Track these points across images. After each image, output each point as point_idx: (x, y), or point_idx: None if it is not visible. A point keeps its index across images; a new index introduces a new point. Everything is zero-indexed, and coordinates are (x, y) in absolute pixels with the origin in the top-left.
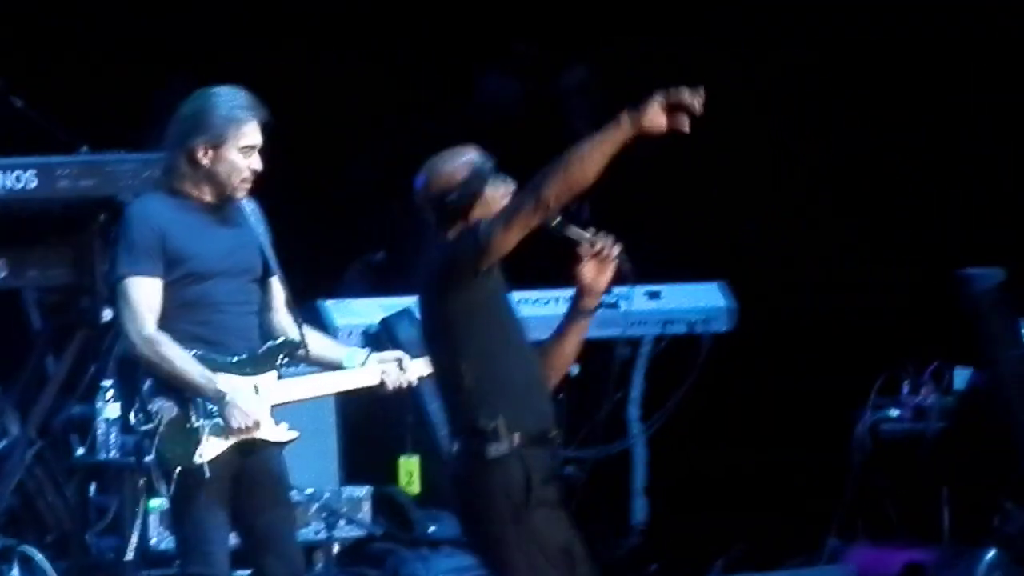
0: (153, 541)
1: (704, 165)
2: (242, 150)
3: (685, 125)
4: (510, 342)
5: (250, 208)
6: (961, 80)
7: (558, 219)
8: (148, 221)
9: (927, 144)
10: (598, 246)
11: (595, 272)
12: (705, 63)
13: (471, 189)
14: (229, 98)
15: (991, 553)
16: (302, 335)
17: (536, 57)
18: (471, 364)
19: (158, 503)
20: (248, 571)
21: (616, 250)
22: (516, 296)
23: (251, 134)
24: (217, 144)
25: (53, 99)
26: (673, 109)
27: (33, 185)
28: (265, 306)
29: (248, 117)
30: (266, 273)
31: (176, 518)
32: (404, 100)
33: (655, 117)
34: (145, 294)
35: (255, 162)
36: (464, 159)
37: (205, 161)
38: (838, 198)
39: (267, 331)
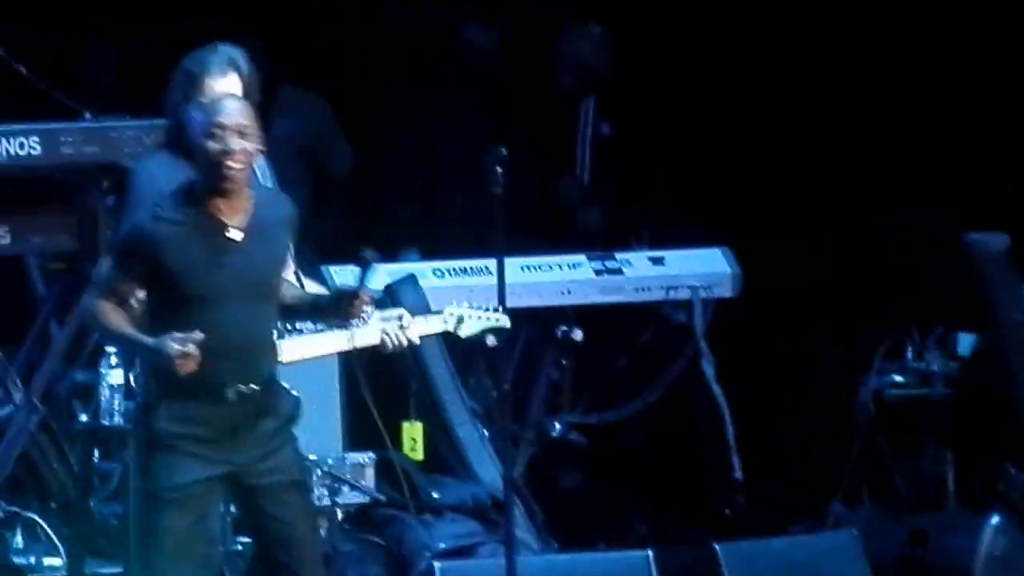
0: None
1: (708, 130)
2: None
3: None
4: None
5: (258, 164)
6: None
7: None
8: (149, 182)
9: (939, 105)
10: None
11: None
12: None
13: None
14: (198, 56)
15: (995, 517)
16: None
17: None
18: None
19: None
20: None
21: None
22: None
23: (213, 88)
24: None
25: (56, 66)
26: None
27: (37, 152)
28: None
29: (208, 72)
30: None
31: None
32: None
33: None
34: None
35: None
36: None
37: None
38: (843, 165)
39: None
